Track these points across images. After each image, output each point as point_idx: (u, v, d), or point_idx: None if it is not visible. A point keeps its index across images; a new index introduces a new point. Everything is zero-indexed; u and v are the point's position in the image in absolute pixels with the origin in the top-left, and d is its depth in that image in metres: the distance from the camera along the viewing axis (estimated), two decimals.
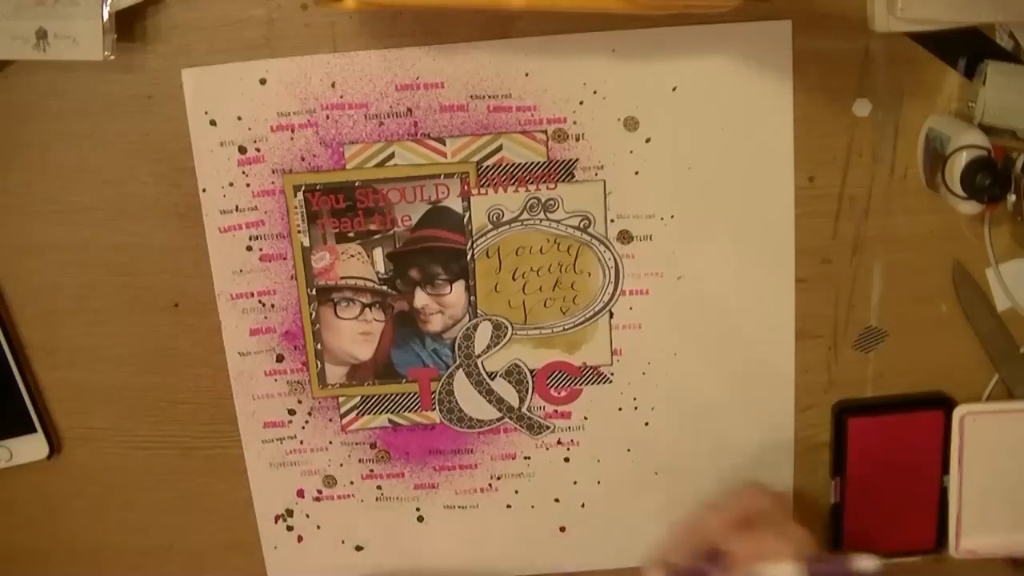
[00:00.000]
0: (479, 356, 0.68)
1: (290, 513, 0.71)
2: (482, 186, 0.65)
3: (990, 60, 0.61)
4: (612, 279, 0.67)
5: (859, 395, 0.70)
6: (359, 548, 0.72)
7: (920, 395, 0.70)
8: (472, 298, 0.67)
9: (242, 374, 0.68)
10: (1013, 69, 0.61)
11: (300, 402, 0.69)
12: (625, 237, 0.66)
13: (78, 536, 0.72)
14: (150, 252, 0.66)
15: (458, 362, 0.68)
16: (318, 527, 0.72)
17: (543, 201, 0.65)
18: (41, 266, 0.66)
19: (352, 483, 0.71)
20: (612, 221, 0.65)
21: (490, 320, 0.67)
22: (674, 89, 0.63)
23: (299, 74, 0.62)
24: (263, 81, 0.62)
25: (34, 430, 0.69)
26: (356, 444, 0.70)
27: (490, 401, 0.69)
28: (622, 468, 0.71)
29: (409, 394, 0.69)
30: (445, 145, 0.64)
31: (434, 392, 0.69)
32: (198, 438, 0.70)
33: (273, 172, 0.64)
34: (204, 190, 0.64)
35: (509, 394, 0.69)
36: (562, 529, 0.72)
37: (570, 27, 0.62)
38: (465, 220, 0.65)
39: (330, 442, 0.70)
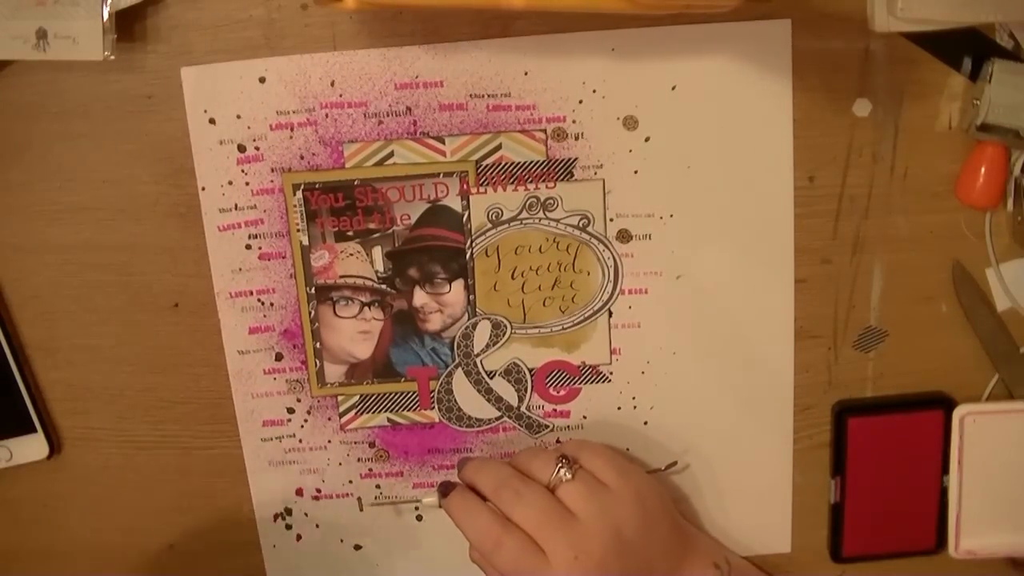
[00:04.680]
0: (478, 355, 0.68)
1: (289, 512, 0.71)
2: (481, 185, 0.65)
3: (996, 59, 0.61)
4: (611, 278, 0.67)
5: (859, 395, 0.70)
6: (358, 547, 0.72)
7: (920, 395, 0.69)
8: (471, 297, 0.67)
9: (241, 372, 0.68)
10: (1019, 68, 0.61)
11: (299, 401, 0.69)
12: (624, 236, 0.66)
13: (78, 536, 0.72)
14: (150, 252, 0.66)
15: (457, 361, 0.68)
16: (317, 526, 0.72)
17: (542, 200, 0.65)
18: (41, 266, 0.66)
19: (351, 482, 0.71)
20: (611, 220, 0.65)
21: (489, 319, 0.67)
22: (673, 88, 0.63)
23: (298, 73, 0.62)
24: (262, 79, 0.62)
25: (34, 430, 0.69)
26: (355, 443, 0.70)
27: (489, 400, 0.69)
28: None
29: (408, 393, 0.69)
30: (444, 144, 0.64)
31: (433, 391, 0.69)
32: (198, 438, 0.70)
33: (272, 171, 0.64)
34: (203, 188, 0.64)
35: (508, 393, 0.69)
36: None
37: (569, 26, 0.62)
38: (464, 219, 0.65)
39: (329, 441, 0.70)
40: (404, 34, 0.62)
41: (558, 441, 0.70)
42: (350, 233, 0.65)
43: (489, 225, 0.65)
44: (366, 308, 0.67)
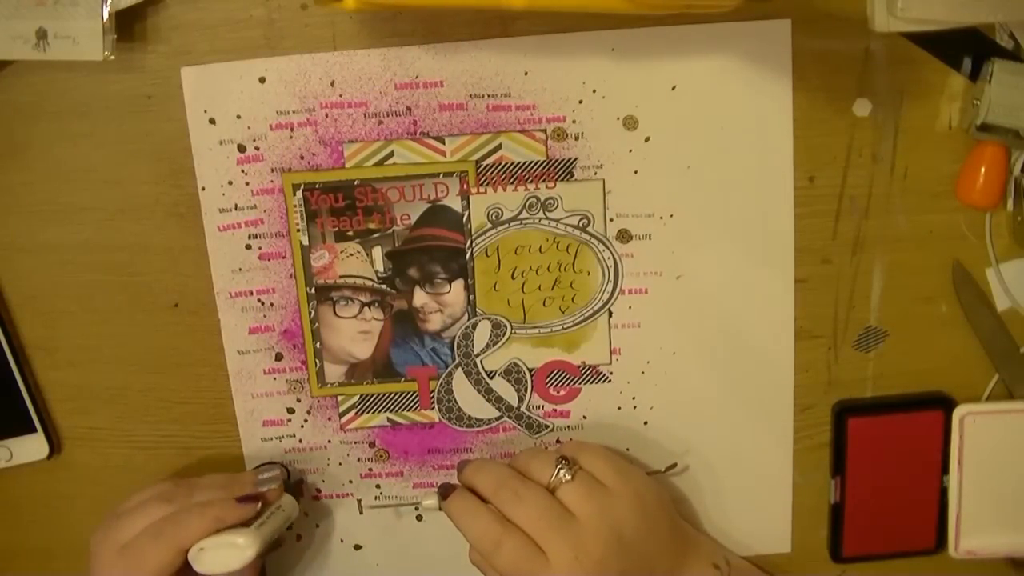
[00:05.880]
0: (478, 355, 0.68)
1: None
2: (481, 185, 0.65)
3: (996, 59, 0.61)
4: (611, 278, 0.67)
5: (859, 395, 0.70)
6: (358, 547, 0.72)
7: (920, 395, 0.69)
8: (471, 297, 0.67)
9: (241, 372, 0.68)
10: (1019, 68, 0.61)
11: (299, 401, 0.69)
12: (624, 236, 0.66)
13: (78, 536, 0.71)
14: (150, 252, 0.66)
15: (457, 361, 0.68)
16: (317, 526, 0.72)
17: (542, 200, 0.65)
18: (41, 266, 0.66)
19: (351, 482, 0.71)
20: (611, 220, 0.65)
21: (489, 319, 0.67)
22: (673, 88, 0.63)
23: (298, 72, 0.62)
24: (262, 79, 0.62)
25: (34, 430, 0.69)
26: (355, 443, 0.70)
27: (489, 400, 0.69)
28: None
29: (408, 393, 0.69)
30: (444, 144, 0.64)
31: (433, 391, 0.69)
32: (198, 438, 0.70)
33: (272, 171, 0.64)
34: (203, 188, 0.64)
35: (508, 393, 0.69)
36: None
37: (569, 26, 0.62)
38: (464, 219, 0.65)
39: (329, 441, 0.70)
40: (404, 34, 0.62)
41: (558, 441, 0.70)
42: (350, 233, 0.65)
43: (489, 225, 0.65)
44: (366, 308, 0.67)
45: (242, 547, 0.60)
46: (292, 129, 0.63)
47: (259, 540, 0.61)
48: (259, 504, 0.63)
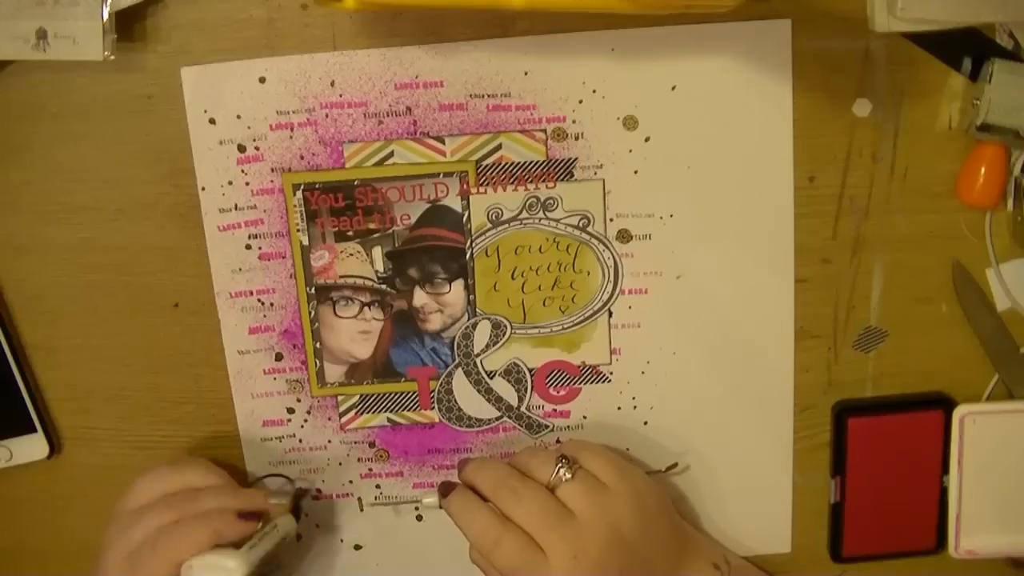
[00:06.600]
0: (478, 355, 0.68)
1: None
2: (481, 185, 0.65)
3: (996, 59, 0.61)
4: (611, 278, 0.67)
5: (859, 395, 0.70)
6: (358, 547, 0.72)
7: (920, 395, 0.69)
8: (471, 297, 0.67)
9: (241, 372, 0.68)
10: (1019, 68, 0.61)
11: (299, 401, 0.69)
12: (624, 236, 0.66)
13: (78, 536, 0.72)
14: (150, 252, 0.66)
15: (457, 361, 0.68)
16: (317, 526, 0.72)
17: (542, 200, 0.65)
18: (41, 266, 0.66)
19: (351, 482, 0.71)
20: (611, 220, 0.65)
21: (489, 319, 0.67)
22: (673, 88, 0.63)
23: (298, 73, 0.62)
24: (262, 79, 0.62)
25: (34, 430, 0.69)
26: (355, 443, 0.70)
27: (489, 400, 0.69)
28: None
29: (408, 393, 0.69)
30: (444, 144, 0.64)
31: (433, 391, 0.69)
32: (198, 438, 0.70)
33: (272, 171, 0.64)
34: (203, 188, 0.64)
35: (508, 393, 0.69)
36: None
37: (569, 26, 0.62)
38: (464, 219, 0.65)
39: (329, 441, 0.70)
40: (404, 34, 0.62)
41: (558, 441, 0.70)
42: (350, 233, 0.65)
43: (489, 225, 0.65)
44: (366, 308, 0.67)
45: (230, 571, 0.59)
46: (292, 129, 0.63)
47: (248, 564, 0.59)
48: (259, 523, 0.62)
